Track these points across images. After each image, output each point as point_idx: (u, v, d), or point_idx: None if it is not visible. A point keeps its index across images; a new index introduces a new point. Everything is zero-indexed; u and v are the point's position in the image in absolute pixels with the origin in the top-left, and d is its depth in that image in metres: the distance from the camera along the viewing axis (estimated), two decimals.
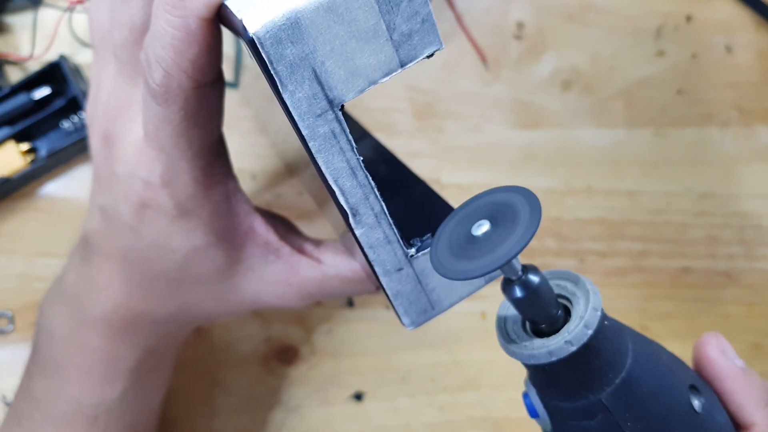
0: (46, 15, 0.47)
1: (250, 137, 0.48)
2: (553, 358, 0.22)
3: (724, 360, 0.27)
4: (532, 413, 0.26)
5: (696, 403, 0.25)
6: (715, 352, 0.27)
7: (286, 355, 0.48)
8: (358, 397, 0.48)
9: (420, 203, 0.32)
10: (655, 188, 0.52)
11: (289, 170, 0.48)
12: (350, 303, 0.48)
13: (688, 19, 0.53)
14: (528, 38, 0.51)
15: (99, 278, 0.33)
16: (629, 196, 0.51)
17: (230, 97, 0.48)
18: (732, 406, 0.27)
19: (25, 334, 0.45)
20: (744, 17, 0.53)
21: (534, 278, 0.22)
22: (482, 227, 0.22)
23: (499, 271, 0.25)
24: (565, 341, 0.22)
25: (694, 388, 0.25)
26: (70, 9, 0.47)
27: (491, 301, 0.49)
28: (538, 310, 0.23)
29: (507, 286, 0.22)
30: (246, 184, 0.48)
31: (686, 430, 0.24)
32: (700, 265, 0.51)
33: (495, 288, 0.53)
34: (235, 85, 0.48)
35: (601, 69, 0.52)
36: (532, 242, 0.49)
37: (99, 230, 0.32)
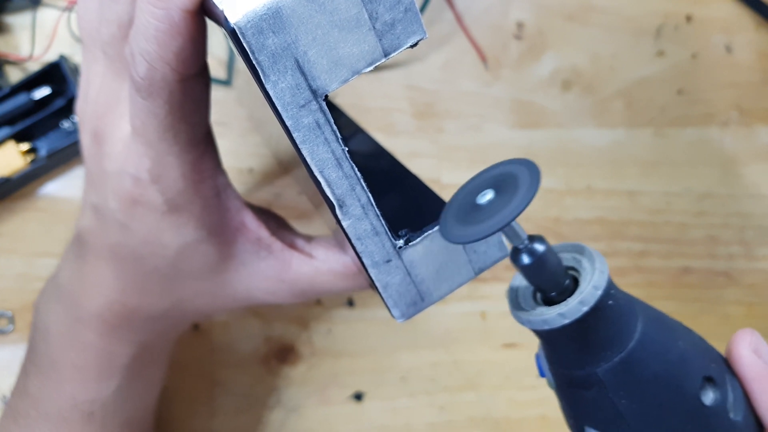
0: (46, 15, 0.47)
1: (249, 137, 0.48)
2: (546, 327, 0.23)
3: (754, 359, 0.26)
4: (541, 373, 0.27)
5: (709, 395, 0.25)
6: (745, 349, 0.26)
7: (286, 355, 0.48)
8: (358, 397, 0.48)
9: (412, 198, 0.32)
10: (655, 188, 0.52)
11: (285, 170, 0.48)
12: (350, 303, 0.48)
13: (688, 19, 0.53)
14: (528, 38, 0.51)
15: (93, 275, 0.33)
16: (629, 196, 0.51)
17: (229, 97, 0.48)
18: (760, 407, 0.26)
19: (24, 334, 0.45)
20: (744, 17, 0.53)
21: (539, 246, 0.23)
22: (486, 196, 0.23)
23: (488, 264, 0.26)
24: (559, 313, 0.23)
25: (710, 380, 0.25)
26: (69, 9, 0.47)
27: (491, 301, 0.49)
28: (544, 278, 0.23)
29: (515, 254, 0.23)
30: (245, 183, 0.48)
31: (686, 420, 0.24)
32: (700, 265, 0.51)
33: (495, 288, 0.53)
34: (228, 82, 0.48)
35: (601, 69, 0.52)
36: None
37: (91, 228, 0.32)
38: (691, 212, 0.52)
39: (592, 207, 0.51)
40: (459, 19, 0.50)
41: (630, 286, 0.51)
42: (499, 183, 0.23)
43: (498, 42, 0.51)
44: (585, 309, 0.22)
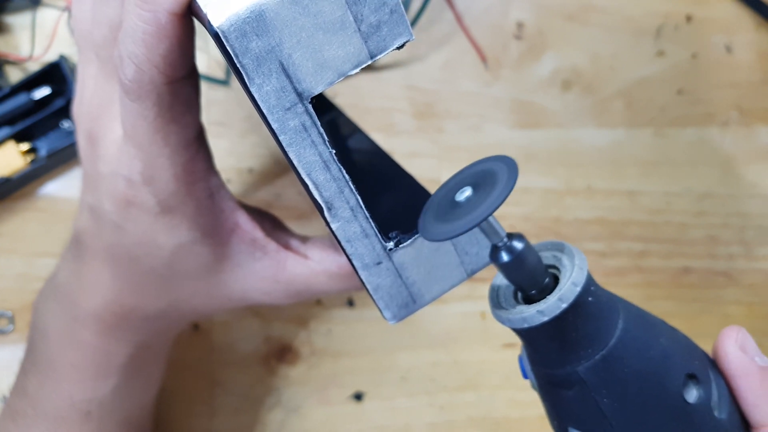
0: (46, 15, 0.47)
1: (248, 137, 0.48)
2: (525, 325, 0.23)
3: (740, 356, 0.26)
4: (524, 375, 0.27)
5: (692, 393, 0.24)
6: (731, 346, 0.26)
7: (286, 355, 0.48)
8: (358, 397, 0.48)
9: (407, 198, 0.32)
10: (655, 188, 0.52)
11: (285, 169, 0.48)
12: (350, 303, 0.48)
13: (688, 19, 0.53)
14: (528, 38, 0.51)
15: (90, 275, 0.33)
16: (629, 196, 0.51)
17: (229, 97, 0.48)
18: (745, 404, 0.26)
19: (25, 334, 0.45)
20: (744, 17, 0.53)
21: (518, 244, 0.23)
22: (465, 193, 0.23)
23: (480, 265, 0.26)
24: (538, 311, 0.22)
25: (693, 378, 0.25)
26: (69, 9, 0.47)
27: None
28: (524, 276, 0.23)
29: (493, 252, 0.23)
30: (245, 183, 0.48)
31: (669, 418, 0.24)
32: (700, 265, 0.51)
33: None
34: (227, 82, 0.48)
35: (601, 69, 0.52)
36: (533, 242, 0.49)
37: (88, 228, 0.32)
38: (691, 212, 0.52)
39: (592, 207, 0.51)
40: (459, 19, 0.50)
41: (630, 286, 0.51)
42: (478, 180, 0.23)
43: (498, 42, 0.51)
44: (564, 306, 0.22)
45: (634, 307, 0.25)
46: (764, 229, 0.52)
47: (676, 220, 0.51)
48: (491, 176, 0.22)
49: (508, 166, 0.22)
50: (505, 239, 0.23)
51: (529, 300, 0.24)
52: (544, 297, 0.23)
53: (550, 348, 0.24)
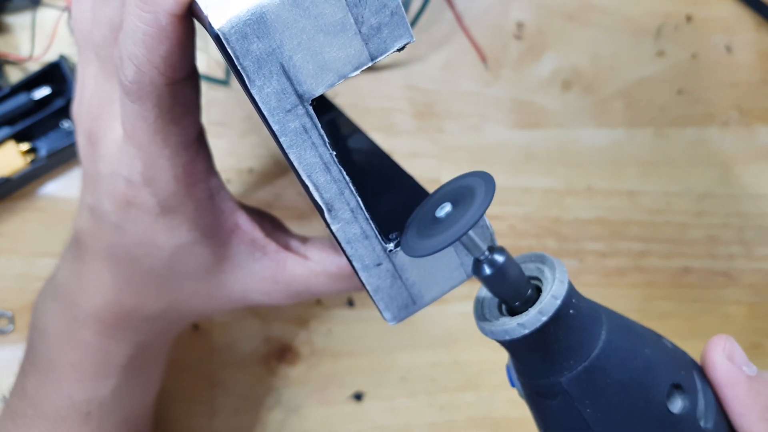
0: (46, 15, 0.47)
1: (248, 137, 0.48)
2: (507, 337, 0.23)
3: (727, 365, 0.26)
4: (512, 383, 0.27)
5: (677, 403, 0.25)
6: (719, 355, 0.26)
7: (286, 355, 0.48)
8: (358, 397, 0.48)
9: (407, 199, 0.32)
10: (655, 188, 0.52)
11: (285, 170, 0.48)
12: (350, 303, 0.48)
13: (688, 19, 0.53)
14: (528, 38, 0.51)
15: (90, 276, 0.33)
16: (629, 196, 0.51)
17: (229, 97, 0.48)
18: (733, 414, 0.26)
19: (25, 334, 0.45)
20: (744, 17, 0.53)
21: (499, 257, 0.23)
22: (445, 209, 0.23)
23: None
24: (519, 323, 0.23)
25: (678, 388, 0.25)
26: (69, 9, 0.47)
27: None
28: (506, 289, 0.23)
29: (475, 266, 0.23)
30: (245, 183, 0.48)
31: (653, 428, 0.24)
32: (700, 265, 0.51)
33: None
34: (227, 82, 0.48)
35: (601, 69, 0.52)
36: (534, 242, 0.49)
37: (88, 229, 0.32)
38: (691, 212, 0.52)
39: (592, 207, 0.51)
40: (459, 19, 0.50)
41: (630, 286, 0.51)
42: (457, 196, 0.23)
43: (498, 42, 0.51)
44: (544, 319, 0.23)
45: (618, 318, 0.25)
46: (764, 229, 0.52)
47: (676, 220, 0.51)
48: (470, 192, 0.23)
49: (486, 182, 0.23)
50: (486, 253, 0.23)
51: (513, 312, 0.24)
52: (527, 309, 0.23)
53: (533, 359, 0.24)
